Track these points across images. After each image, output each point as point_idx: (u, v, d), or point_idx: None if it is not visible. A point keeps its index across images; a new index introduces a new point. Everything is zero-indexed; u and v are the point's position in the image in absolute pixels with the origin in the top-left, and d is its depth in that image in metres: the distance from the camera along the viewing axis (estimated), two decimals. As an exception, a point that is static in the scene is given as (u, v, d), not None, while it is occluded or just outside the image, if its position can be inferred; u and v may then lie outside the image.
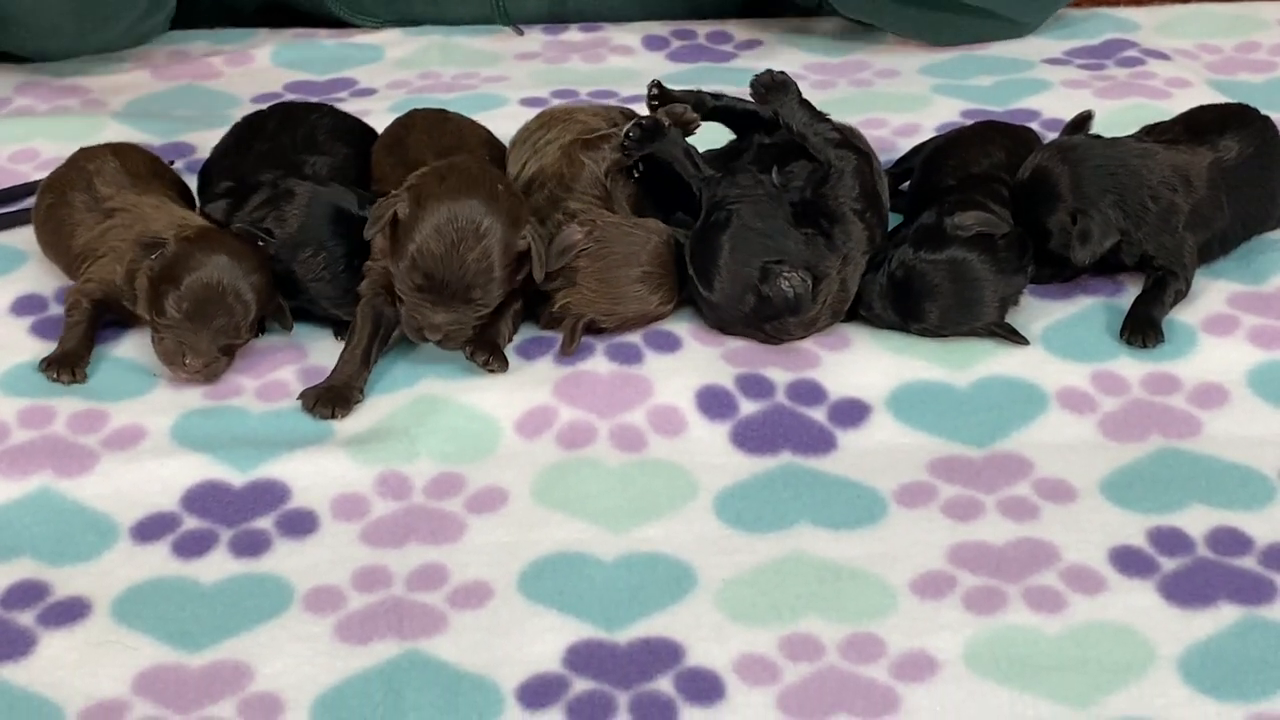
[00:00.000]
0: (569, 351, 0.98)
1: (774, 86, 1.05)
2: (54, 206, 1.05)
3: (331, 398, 0.95)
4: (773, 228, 0.98)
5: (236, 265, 0.97)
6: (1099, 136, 1.05)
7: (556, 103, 1.32)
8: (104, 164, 1.06)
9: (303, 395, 0.96)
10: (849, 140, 1.03)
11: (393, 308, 0.98)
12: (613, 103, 1.28)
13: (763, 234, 0.98)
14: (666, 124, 1.05)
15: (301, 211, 1.01)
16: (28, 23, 1.24)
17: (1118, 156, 1.02)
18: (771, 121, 1.07)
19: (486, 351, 0.96)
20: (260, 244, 1.00)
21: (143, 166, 1.08)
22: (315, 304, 1.02)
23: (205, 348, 0.97)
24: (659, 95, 1.10)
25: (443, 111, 1.15)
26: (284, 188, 1.02)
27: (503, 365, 0.96)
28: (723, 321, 1.00)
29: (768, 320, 0.98)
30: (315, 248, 1.00)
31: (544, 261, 0.98)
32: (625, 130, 1.06)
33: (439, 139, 1.10)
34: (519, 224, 0.96)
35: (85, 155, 1.08)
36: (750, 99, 1.09)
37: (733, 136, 1.12)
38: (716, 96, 1.11)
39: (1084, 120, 1.08)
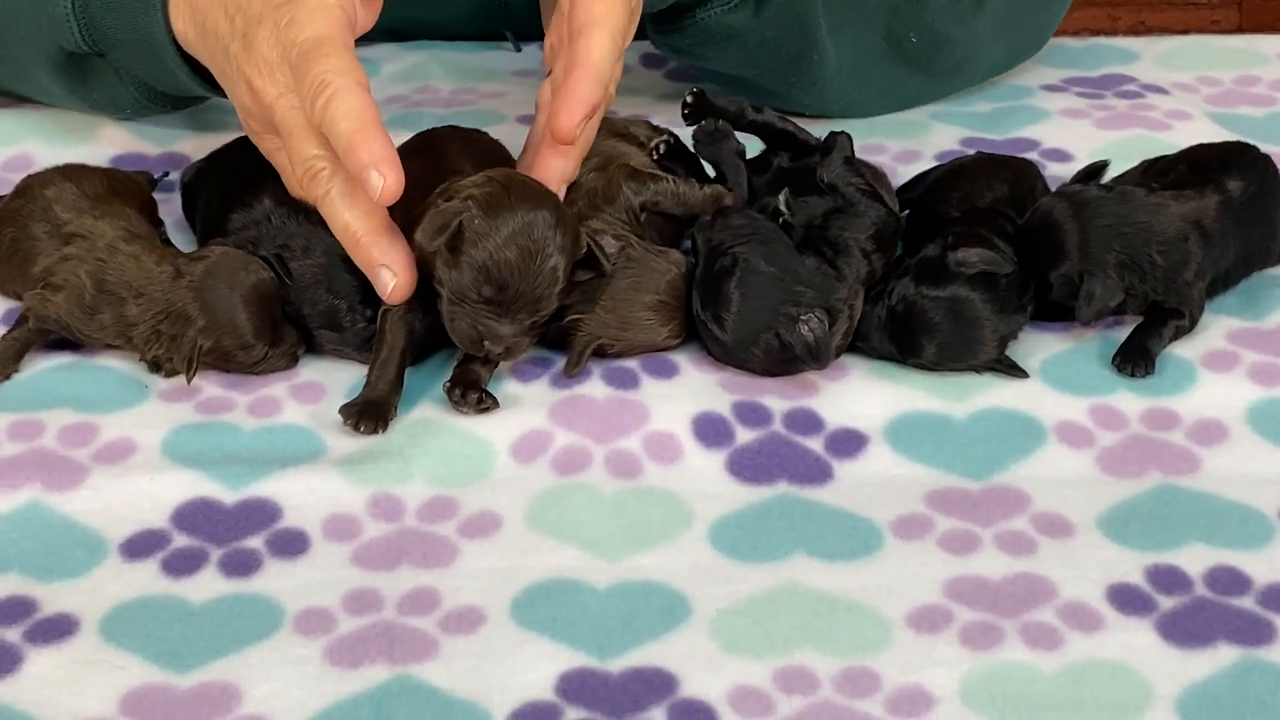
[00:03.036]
0: (572, 373, 0.98)
1: (716, 136, 1.06)
2: (16, 239, 1.04)
3: (372, 412, 0.94)
4: (782, 268, 0.98)
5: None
6: (1110, 187, 1.04)
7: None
8: (62, 190, 1.04)
9: (343, 410, 0.95)
10: (878, 192, 1.03)
11: (422, 321, 0.97)
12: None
13: (774, 277, 0.97)
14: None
15: (317, 264, 1.00)
16: (28, 82, 1.25)
17: (1128, 214, 1.01)
18: (805, 144, 1.07)
19: (477, 391, 0.95)
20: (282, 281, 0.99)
21: (100, 187, 1.06)
22: (323, 346, 1.01)
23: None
24: (695, 105, 1.09)
25: (467, 129, 1.14)
26: (300, 242, 1.01)
27: (495, 402, 0.95)
28: (731, 360, 0.99)
29: (785, 363, 0.97)
30: (331, 300, 0.99)
31: (610, 259, 0.98)
32: (694, 131, 1.07)
33: (472, 148, 1.10)
34: (579, 236, 0.96)
35: (41, 182, 1.06)
36: (790, 120, 1.10)
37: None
38: (757, 109, 1.10)
39: (1098, 170, 1.07)
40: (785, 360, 0.97)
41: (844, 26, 1.27)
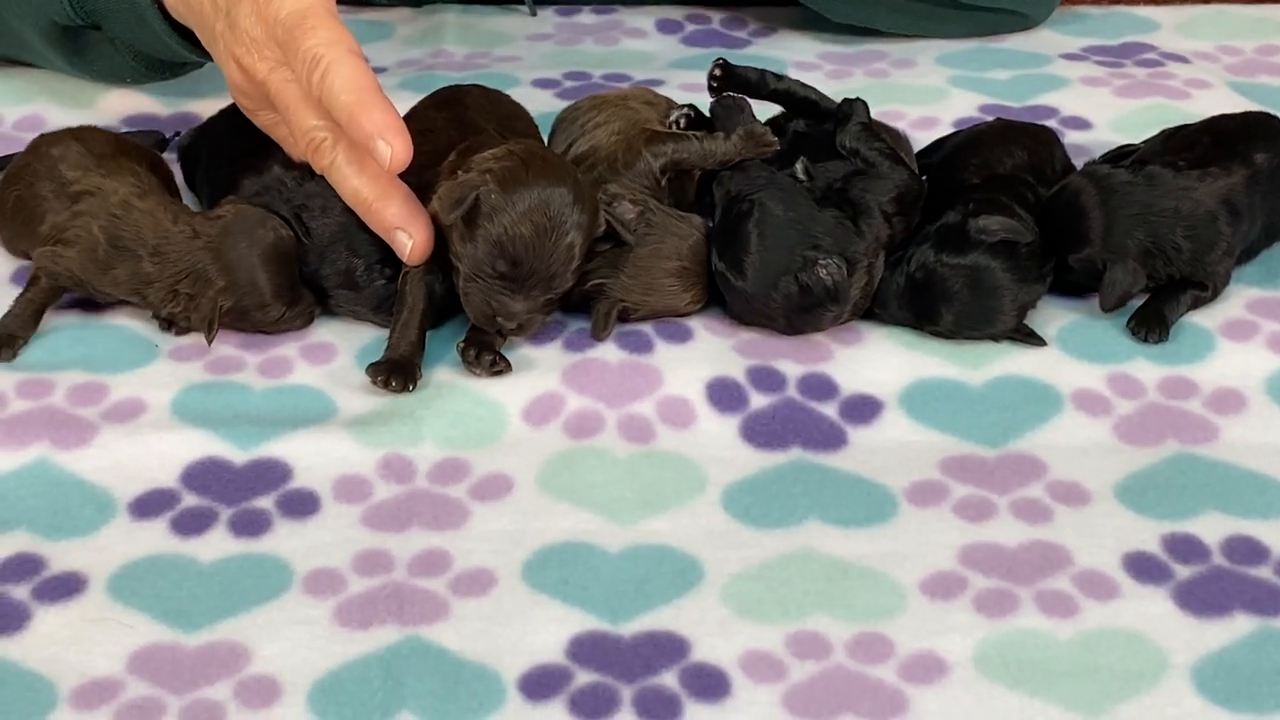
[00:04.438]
0: (601, 336, 0.97)
1: (734, 109, 1.04)
2: (21, 198, 1.03)
3: (400, 370, 0.94)
4: (801, 214, 0.97)
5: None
6: (1138, 169, 1.01)
7: (569, 85, 1.31)
8: (68, 149, 1.04)
9: (370, 370, 0.94)
10: (902, 158, 1.03)
11: (442, 284, 0.96)
12: (625, 86, 1.27)
13: (792, 222, 0.96)
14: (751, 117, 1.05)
15: (336, 223, 0.99)
16: (32, 53, 1.24)
17: (1153, 200, 0.99)
18: (825, 110, 1.06)
19: (491, 353, 0.95)
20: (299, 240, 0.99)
21: (107, 147, 1.05)
22: (339, 307, 1.01)
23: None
24: (723, 76, 1.08)
25: (492, 90, 1.13)
26: (319, 202, 1.00)
27: (508, 365, 0.95)
28: (753, 312, 0.98)
29: (806, 310, 0.96)
30: (350, 259, 0.99)
31: (632, 231, 0.97)
32: (711, 105, 1.07)
33: (496, 109, 1.09)
34: (597, 212, 0.95)
35: (48, 142, 1.06)
36: (810, 86, 1.10)
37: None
38: (778, 77, 1.10)
39: (1128, 154, 1.05)
40: (805, 307, 0.96)
41: None
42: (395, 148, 0.91)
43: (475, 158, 0.95)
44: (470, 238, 0.93)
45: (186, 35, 1.09)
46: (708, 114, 1.08)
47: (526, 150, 0.96)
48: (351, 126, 0.91)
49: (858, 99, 1.06)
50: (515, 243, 0.92)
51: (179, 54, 1.12)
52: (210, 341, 0.96)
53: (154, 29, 1.09)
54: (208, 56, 1.08)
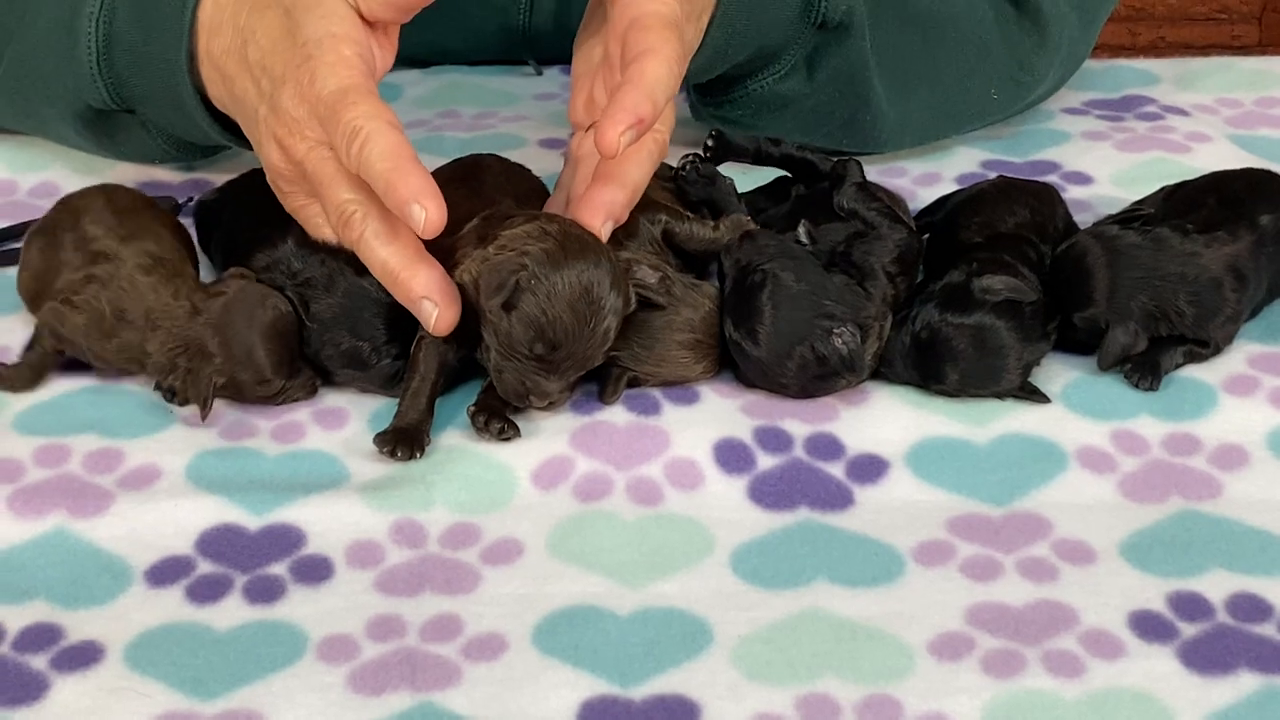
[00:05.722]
0: (610, 401, 0.98)
1: (705, 179, 1.06)
2: (45, 249, 1.04)
3: (407, 439, 0.95)
4: (813, 284, 0.98)
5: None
6: (1147, 230, 1.02)
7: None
8: (92, 202, 1.05)
9: (377, 439, 0.95)
10: (900, 217, 1.04)
11: (454, 352, 0.98)
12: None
13: (804, 293, 0.98)
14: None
15: (339, 304, 1.00)
16: (55, 135, 1.26)
17: (1159, 265, 1.00)
18: (825, 173, 1.08)
19: (500, 420, 0.96)
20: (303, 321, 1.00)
21: (131, 203, 1.07)
22: (346, 383, 1.02)
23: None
24: (717, 147, 1.10)
25: (511, 162, 1.15)
26: (323, 277, 1.01)
27: (517, 432, 0.96)
28: (766, 379, 0.99)
29: (821, 379, 0.97)
30: (354, 342, 0.99)
31: (654, 290, 0.98)
32: (682, 172, 1.08)
33: (514, 183, 1.10)
34: (629, 293, 0.96)
35: (75, 196, 1.08)
36: (809, 150, 1.11)
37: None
38: (775, 142, 1.12)
39: (1137, 216, 1.06)
40: (820, 375, 0.97)
41: (913, 92, 1.26)
42: (430, 211, 0.92)
43: (506, 233, 0.96)
44: (508, 319, 0.94)
45: (220, 119, 1.11)
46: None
47: (562, 231, 0.96)
48: (388, 193, 0.93)
49: (851, 159, 1.08)
50: (555, 326, 0.93)
51: (213, 139, 1.13)
52: (205, 416, 0.97)
53: (194, 117, 1.11)
54: (241, 142, 1.10)
